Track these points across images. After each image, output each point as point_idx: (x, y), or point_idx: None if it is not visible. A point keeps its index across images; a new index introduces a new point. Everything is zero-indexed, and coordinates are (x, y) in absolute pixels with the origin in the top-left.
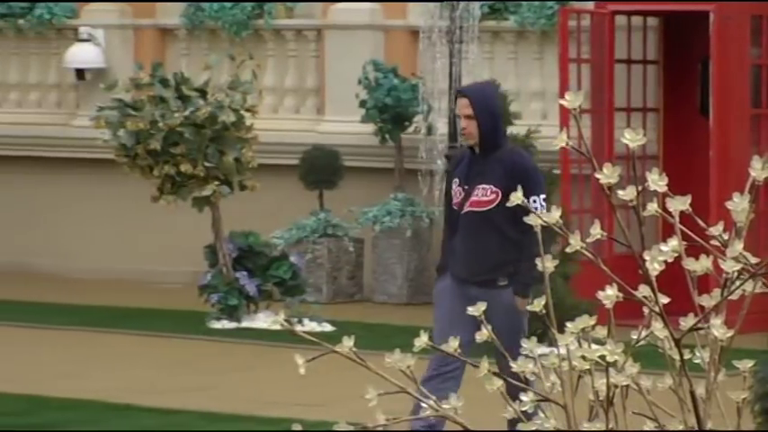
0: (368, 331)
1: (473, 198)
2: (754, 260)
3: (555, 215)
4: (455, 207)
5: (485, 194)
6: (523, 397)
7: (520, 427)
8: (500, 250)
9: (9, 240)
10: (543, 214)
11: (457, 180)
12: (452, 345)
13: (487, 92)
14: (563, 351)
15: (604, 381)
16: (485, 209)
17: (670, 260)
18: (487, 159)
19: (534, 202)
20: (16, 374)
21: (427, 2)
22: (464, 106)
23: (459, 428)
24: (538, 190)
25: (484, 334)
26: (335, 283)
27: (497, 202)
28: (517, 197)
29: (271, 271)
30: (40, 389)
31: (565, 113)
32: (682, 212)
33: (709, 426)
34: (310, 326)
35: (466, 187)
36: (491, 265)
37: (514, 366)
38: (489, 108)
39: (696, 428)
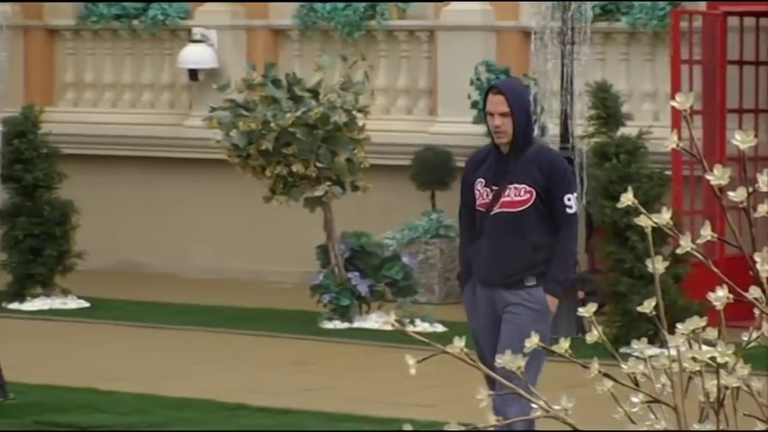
0: None
1: (504, 198)
2: None
3: (665, 216)
4: (481, 209)
5: (518, 194)
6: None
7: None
8: (533, 251)
9: (122, 240)
10: (654, 216)
11: (482, 181)
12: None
13: (521, 89)
14: (674, 352)
15: (715, 382)
16: (519, 209)
17: None
18: (518, 158)
19: (569, 200)
20: (130, 374)
21: (540, 1)
22: (500, 103)
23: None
24: (572, 188)
25: (594, 335)
26: (447, 284)
27: (532, 201)
28: (628, 197)
29: (383, 271)
30: (154, 388)
31: (676, 115)
32: None
33: None
34: (422, 326)
35: (495, 188)
36: (522, 266)
37: (499, 361)
38: (524, 105)
39: None
